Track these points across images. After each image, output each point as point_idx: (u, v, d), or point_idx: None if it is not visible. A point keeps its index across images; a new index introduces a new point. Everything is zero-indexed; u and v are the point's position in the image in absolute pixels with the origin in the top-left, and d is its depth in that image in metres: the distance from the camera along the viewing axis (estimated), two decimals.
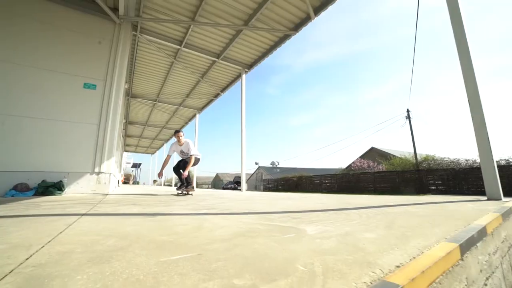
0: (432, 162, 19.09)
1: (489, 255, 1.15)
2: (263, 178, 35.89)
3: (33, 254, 0.84)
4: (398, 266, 0.68)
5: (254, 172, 45.74)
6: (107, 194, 4.41)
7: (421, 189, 16.94)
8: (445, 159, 19.12)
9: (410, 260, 0.73)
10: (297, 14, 5.92)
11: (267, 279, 0.61)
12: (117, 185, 10.90)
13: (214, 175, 60.24)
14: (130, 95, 10.44)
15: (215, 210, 2.11)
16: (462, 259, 0.88)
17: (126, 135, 17.92)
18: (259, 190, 33.89)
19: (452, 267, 0.81)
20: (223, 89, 9.71)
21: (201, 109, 12.19)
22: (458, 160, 17.65)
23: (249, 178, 45.02)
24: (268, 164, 46.70)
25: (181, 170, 4.81)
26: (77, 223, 1.44)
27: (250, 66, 7.99)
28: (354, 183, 19.85)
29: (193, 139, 11.96)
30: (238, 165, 7.68)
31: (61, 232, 1.18)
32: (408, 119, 20.79)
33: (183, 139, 4.95)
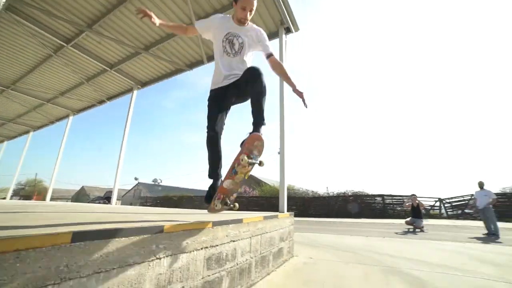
0: (292, 191, 24.26)
1: (239, 231, 2.38)
2: (142, 195, 32.93)
3: None
4: (169, 225, 1.66)
5: (132, 188, 41.15)
6: None
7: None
8: (300, 189, 24.78)
9: (178, 223, 1.74)
10: (194, 56, 7.06)
11: (109, 224, 1.43)
12: None
13: (79, 188, 49.27)
14: None
15: (82, 211, 2.58)
16: (212, 227, 2.00)
17: None
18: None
19: (203, 228, 1.89)
20: (110, 98, 9.28)
21: (77, 111, 10.77)
22: (307, 190, 23.40)
23: (124, 194, 39.88)
24: (150, 181, 43.35)
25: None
26: None
27: (144, 84, 8.29)
28: None
29: (60, 143, 10.23)
30: (112, 179, 7.43)
31: None
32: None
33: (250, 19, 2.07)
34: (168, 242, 1.55)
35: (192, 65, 7.25)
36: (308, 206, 20.82)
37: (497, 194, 16.54)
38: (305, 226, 10.75)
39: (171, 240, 1.58)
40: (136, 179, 42.28)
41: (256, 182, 28.35)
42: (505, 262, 3.92)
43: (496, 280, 2.96)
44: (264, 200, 22.11)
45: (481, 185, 8.55)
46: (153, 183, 43.31)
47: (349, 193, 21.15)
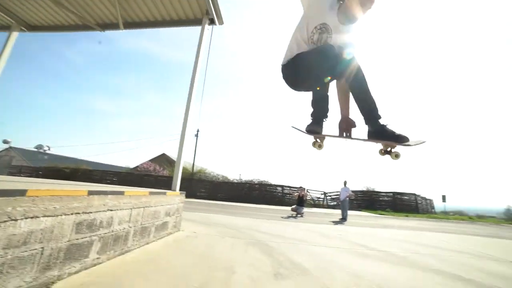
0: (203, 174, 24.66)
1: (118, 202, 2.59)
2: (14, 163, 26.28)
3: None
4: (35, 189, 1.75)
5: None
6: None
7: (192, 194, 21.14)
8: (211, 173, 25.46)
9: (47, 189, 1.84)
10: (108, 16, 6.17)
11: None
12: None
13: None
14: None
15: None
16: (87, 196, 2.15)
17: None
18: None
19: (77, 195, 2.03)
20: None
21: None
22: (218, 175, 24.34)
23: None
24: (32, 147, 34.74)
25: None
26: None
27: (33, 28, 6.72)
28: (136, 182, 20.53)
29: None
30: None
31: None
32: (196, 137, 25.63)
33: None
34: (30, 205, 1.65)
35: (105, 26, 6.34)
36: (217, 190, 21.75)
37: (358, 191, 22.28)
38: (207, 207, 11.41)
39: (35, 204, 1.68)
40: (6, 142, 32.86)
41: (168, 161, 27.29)
42: (335, 236, 5.59)
43: (321, 246, 4.27)
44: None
45: (345, 183, 11.26)
46: (35, 149, 34.83)
47: (255, 181, 23.33)
